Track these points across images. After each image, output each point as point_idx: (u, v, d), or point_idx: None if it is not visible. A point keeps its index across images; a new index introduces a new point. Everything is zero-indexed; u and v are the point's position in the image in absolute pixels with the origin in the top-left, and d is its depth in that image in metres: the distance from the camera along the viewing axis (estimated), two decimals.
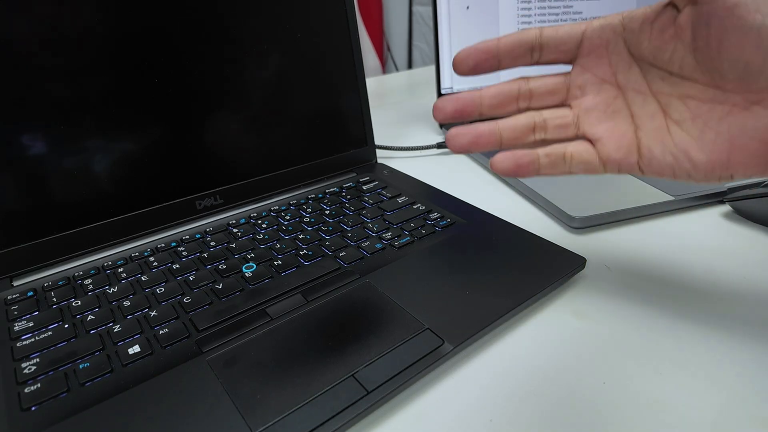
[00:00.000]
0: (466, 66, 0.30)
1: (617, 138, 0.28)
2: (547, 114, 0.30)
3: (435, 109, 0.30)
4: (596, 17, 0.29)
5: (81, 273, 0.36)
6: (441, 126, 0.66)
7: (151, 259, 0.38)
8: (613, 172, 0.29)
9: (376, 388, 0.26)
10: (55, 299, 0.33)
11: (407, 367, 0.27)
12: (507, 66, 0.30)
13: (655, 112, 0.27)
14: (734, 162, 0.25)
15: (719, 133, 0.25)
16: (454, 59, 0.30)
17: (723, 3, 0.23)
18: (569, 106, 0.30)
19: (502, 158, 0.30)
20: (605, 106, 0.29)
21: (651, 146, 0.27)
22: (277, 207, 0.45)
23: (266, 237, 0.40)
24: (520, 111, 0.31)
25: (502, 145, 0.30)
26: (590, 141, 0.29)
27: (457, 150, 0.31)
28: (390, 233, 0.40)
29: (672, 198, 0.44)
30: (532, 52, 0.29)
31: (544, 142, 0.30)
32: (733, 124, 0.24)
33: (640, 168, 0.28)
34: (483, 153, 0.56)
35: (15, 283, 0.36)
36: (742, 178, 0.26)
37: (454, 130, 0.30)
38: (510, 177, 0.31)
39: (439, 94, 0.65)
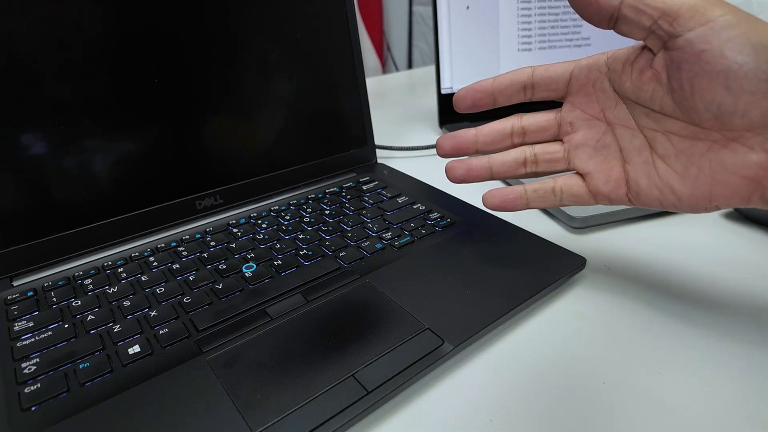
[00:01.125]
0: (464, 104, 0.33)
1: (606, 172, 0.30)
2: (538, 149, 0.33)
3: (437, 146, 0.34)
4: (585, 57, 0.30)
5: (81, 273, 0.36)
6: (441, 126, 0.66)
7: (151, 259, 0.38)
8: (603, 203, 0.31)
9: (376, 388, 0.26)
10: (55, 299, 0.33)
11: (407, 367, 0.27)
12: (502, 103, 0.32)
13: (642, 147, 0.29)
14: (716, 195, 0.26)
15: (701, 168, 0.26)
16: (454, 97, 0.33)
17: (691, 49, 0.24)
18: (561, 140, 0.32)
19: (490, 195, 0.34)
20: (594, 141, 0.31)
21: (638, 180, 0.29)
22: (277, 207, 0.45)
23: (266, 237, 0.40)
24: (514, 146, 0.33)
25: (493, 177, 0.34)
26: (580, 175, 0.32)
27: (454, 181, 0.35)
28: (390, 233, 0.40)
29: None
30: (525, 90, 0.31)
31: (536, 174, 0.33)
32: (713, 160, 0.26)
33: (629, 199, 0.30)
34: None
35: (15, 283, 0.36)
36: (726, 208, 0.27)
37: (450, 164, 0.34)
38: (500, 211, 0.35)
39: (439, 94, 0.65)
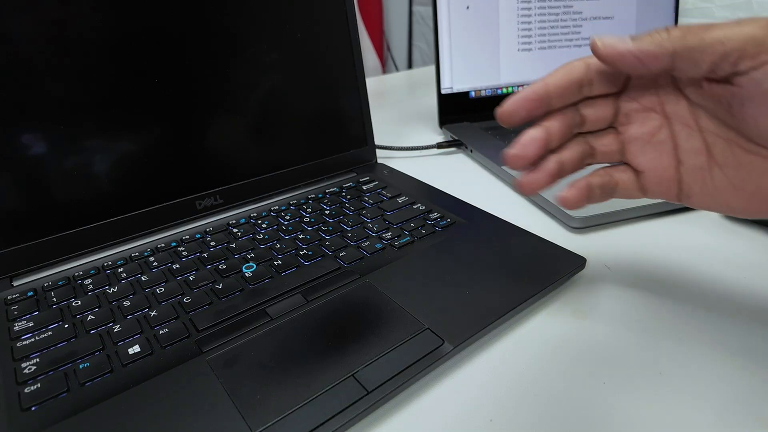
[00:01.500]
0: (518, 118, 0.29)
1: (659, 172, 0.29)
2: (594, 142, 0.30)
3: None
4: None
5: (81, 273, 0.36)
6: (441, 126, 0.66)
7: (151, 259, 0.38)
8: (653, 198, 0.30)
9: (376, 388, 0.26)
10: (55, 299, 0.33)
11: (407, 367, 0.27)
12: (557, 106, 0.29)
13: (699, 150, 0.27)
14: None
15: (759, 188, 0.25)
16: (500, 113, 0.29)
17: (758, 88, 0.22)
18: (616, 130, 0.30)
19: (568, 196, 0.31)
20: (650, 136, 0.29)
21: (691, 185, 0.27)
22: (277, 207, 0.45)
23: (266, 237, 0.40)
24: (573, 138, 0.30)
25: (563, 171, 0.31)
26: (633, 170, 0.30)
27: (531, 189, 0.31)
28: (390, 233, 0.40)
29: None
30: (582, 88, 0.29)
31: (590, 165, 0.31)
32: None
33: (679, 200, 0.29)
34: (488, 156, 0.56)
35: (15, 283, 0.36)
36: None
37: (524, 178, 0.30)
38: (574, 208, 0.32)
39: (439, 94, 0.65)
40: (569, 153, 0.30)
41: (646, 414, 0.26)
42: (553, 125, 0.29)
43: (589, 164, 0.31)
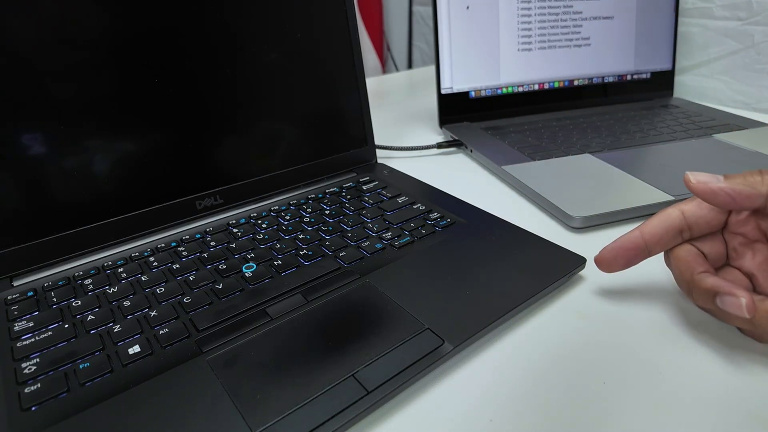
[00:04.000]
0: (616, 266, 0.31)
1: None
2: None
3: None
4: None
5: (81, 273, 0.36)
6: (441, 126, 0.66)
7: (151, 259, 0.38)
8: None
9: (376, 388, 0.26)
10: (55, 299, 0.33)
11: (407, 367, 0.27)
12: (657, 252, 0.30)
13: None
14: None
15: None
16: (598, 261, 0.31)
17: None
18: (737, 269, 0.30)
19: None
20: (761, 267, 0.29)
21: None
22: (277, 207, 0.45)
23: (266, 237, 0.40)
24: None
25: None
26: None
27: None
28: (390, 233, 0.40)
29: (672, 198, 0.44)
30: (682, 233, 0.30)
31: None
32: None
33: None
34: (488, 156, 0.56)
35: (15, 283, 0.36)
36: None
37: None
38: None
39: (439, 94, 0.65)
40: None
41: (646, 414, 0.26)
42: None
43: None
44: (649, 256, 0.30)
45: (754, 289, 0.29)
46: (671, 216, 0.29)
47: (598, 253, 0.31)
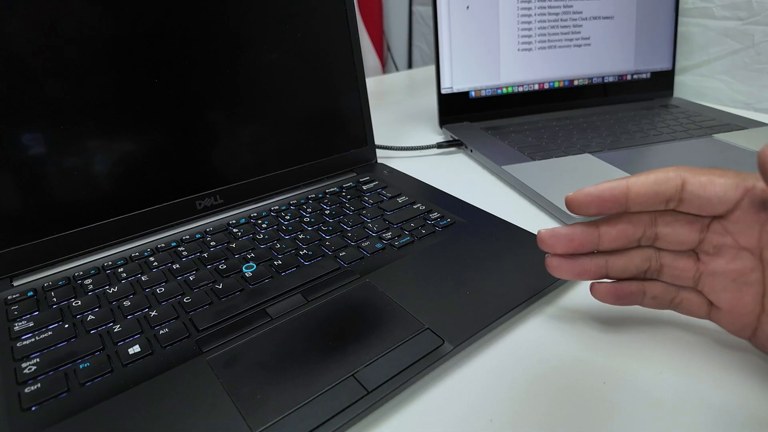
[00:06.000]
0: (584, 212, 0.27)
1: (737, 314, 0.26)
2: (666, 261, 0.28)
3: (541, 242, 0.28)
4: (756, 178, 0.24)
5: (81, 273, 0.36)
6: (441, 126, 0.66)
7: (151, 259, 0.38)
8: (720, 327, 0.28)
9: (376, 388, 0.26)
10: (55, 299, 0.33)
11: (407, 367, 0.27)
12: (633, 210, 0.27)
13: None
14: None
15: None
16: (567, 201, 0.27)
17: None
18: (696, 257, 0.27)
19: (602, 289, 0.29)
20: (737, 275, 0.26)
21: None
22: (277, 207, 0.45)
23: (266, 237, 0.40)
24: (639, 248, 0.28)
25: (608, 277, 0.29)
26: (707, 300, 0.28)
27: (560, 276, 0.29)
28: (390, 233, 0.40)
29: None
30: (668, 202, 0.26)
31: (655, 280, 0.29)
32: None
33: (748, 340, 0.27)
34: (488, 156, 0.56)
35: (15, 283, 0.36)
36: None
37: (554, 261, 0.29)
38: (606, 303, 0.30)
39: (439, 94, 0.65)
40: (624, 261, 0.28)
41: (646, 414, 0.26)
42: (609, 232, 0.27)
43: (650, 278, 0.29)
44: (624, 211, 0.27)
45: (699, 285, 0.27)
46: (669, 180, 0.25)
47: (572, 192, 0.27)
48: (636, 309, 0.33)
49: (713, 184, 0.25)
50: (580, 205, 0.27)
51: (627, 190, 0.26)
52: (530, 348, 0.30)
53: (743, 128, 0.61)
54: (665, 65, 0.74)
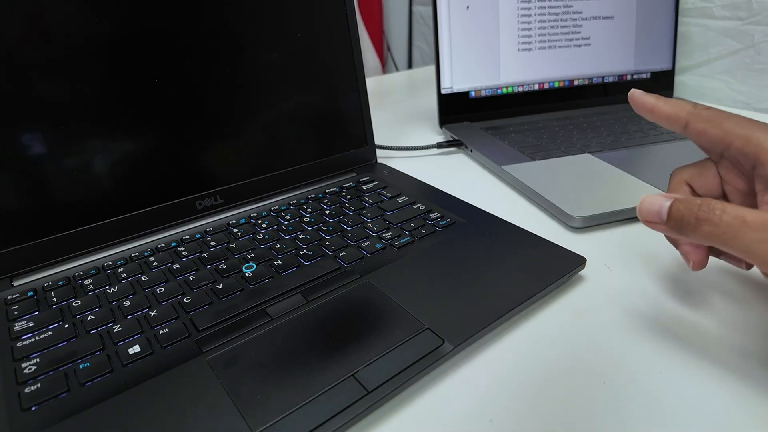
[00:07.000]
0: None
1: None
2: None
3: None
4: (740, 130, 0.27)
5: (81, 273, 0.36)
6: (441, 126, 0.66)
7: (151, 259, 0.38)
8: None
9: (376, 388, 0.26)
10: (55, 299, 0.33)
11: (407, 367, 0.27)
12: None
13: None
14: None
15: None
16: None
17: None
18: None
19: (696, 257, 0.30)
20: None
21: None
22: (277, 207, 0.45)
23: (266, 237, 0.40)
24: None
25: None
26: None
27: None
28: (390, 233, 0.40)
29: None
30: (685, 126, 0.30)
31: None
32: None
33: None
34: (488, 156, 0.56)
35: (15, 283, 0.36)
36: None
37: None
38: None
39: (439, 94, 0.65)
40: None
41: (645, 414, 0.26)
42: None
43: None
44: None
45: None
46: (681, 109, 0.30)
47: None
48: (636, 309, 0.33)
49: (706, 133, 0.29)
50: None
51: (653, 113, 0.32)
52: (530, 348, 0.30)
53: None
54: (665, 65, 0.74)
